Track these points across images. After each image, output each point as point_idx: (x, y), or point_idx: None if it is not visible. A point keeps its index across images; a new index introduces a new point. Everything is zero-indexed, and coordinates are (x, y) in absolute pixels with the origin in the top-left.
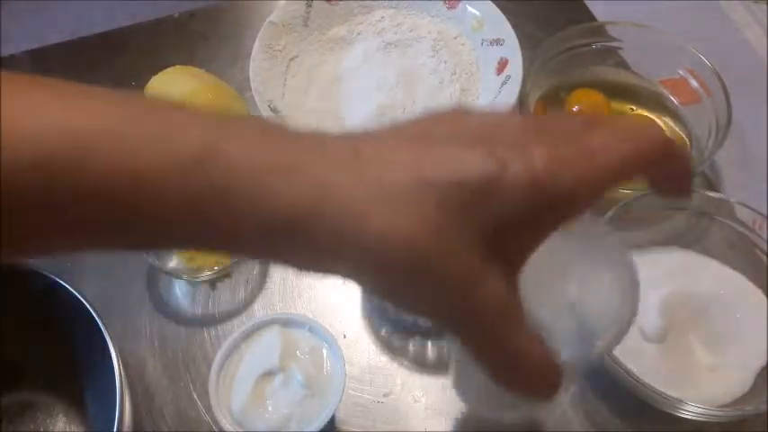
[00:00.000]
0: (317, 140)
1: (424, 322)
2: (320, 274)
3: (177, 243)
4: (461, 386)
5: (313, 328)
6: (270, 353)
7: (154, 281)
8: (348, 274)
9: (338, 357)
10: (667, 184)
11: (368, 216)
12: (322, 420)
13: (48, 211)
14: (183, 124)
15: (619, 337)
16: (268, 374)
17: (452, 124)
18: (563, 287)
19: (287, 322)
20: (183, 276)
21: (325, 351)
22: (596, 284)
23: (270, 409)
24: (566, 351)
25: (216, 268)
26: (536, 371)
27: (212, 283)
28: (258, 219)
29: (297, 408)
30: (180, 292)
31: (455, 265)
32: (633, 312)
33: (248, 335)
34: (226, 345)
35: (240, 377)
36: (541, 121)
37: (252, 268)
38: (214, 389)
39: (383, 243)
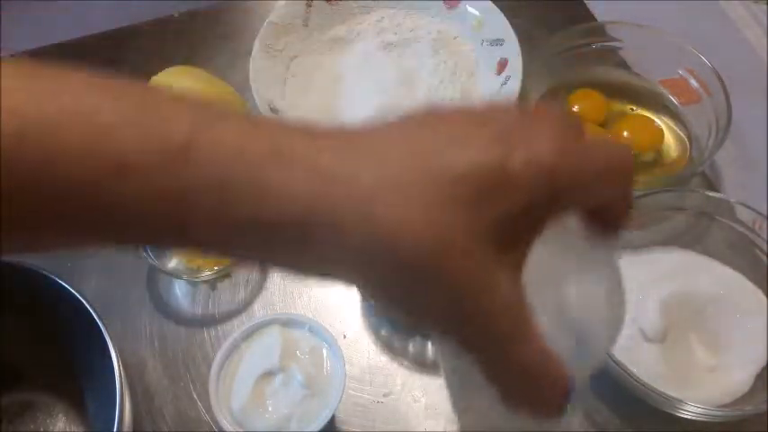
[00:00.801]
0: (309, 130)
1: None
2: (318, 277)
3: (165, 241)
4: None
5: (313, 328)
6: (270, 353)
7: (154, 281)
8: (352, 271)
9: (338, 357)
10: (608, 213)
11: (376, 210)
12: (322, 420)
13: (30, 199)
14: (168, 106)
15: (610, 344)
16: (268, 374)
17: (451, 117)
18: (554, 296)
19: (287, 322)
20: (183, 276)
21: (325, 351)
22: (586, 291)
23: (270, 409)
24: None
25: (216, 268)
26: (549, 385)
27: (212, 284)
28: (257, 212)
29: (297, 408)
30: (180, 292)
31: (469, 266)
32: (622, 318)
33: (248, 335)
34: (226, 345)
35: (240, 377)
36: (537, 112)
37: (252, 268)
38: (214, 389)
39: (393, 238)
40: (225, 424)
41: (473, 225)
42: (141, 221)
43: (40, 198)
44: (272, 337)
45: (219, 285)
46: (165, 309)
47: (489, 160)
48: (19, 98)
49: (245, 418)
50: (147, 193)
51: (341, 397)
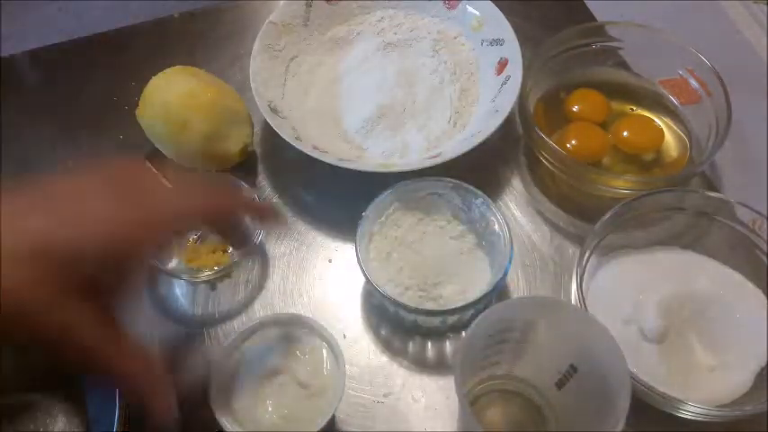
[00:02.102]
0: None
1: (423, 322)
2: None
3: None
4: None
5: (313, 329)
6: (270, 353)
7: (154, 281)
8: None
9: (338, 357)
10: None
11: None
12: (322, 420)
13: None
14: None
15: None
16: (268, 375)
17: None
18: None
19: (287, 322)
20: (183, 276)
21: (325, 351)
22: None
23: (270, 409)
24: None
25: (216, 268)
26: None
27: (212, 284)
28: None
29: (297, 408)
30: (180, 292)
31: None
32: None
33: (248, 335)
34: (226, 345)
35: (241, 377)
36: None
37: (252, 268)
38: (214, 389)
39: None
40: (225, 424)
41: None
42: None
43: None
44: (273, 337)
45: (219, 285)
46: (164, 309)
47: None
48: None
49: (246, 418)
50: None
51: (341, 397)
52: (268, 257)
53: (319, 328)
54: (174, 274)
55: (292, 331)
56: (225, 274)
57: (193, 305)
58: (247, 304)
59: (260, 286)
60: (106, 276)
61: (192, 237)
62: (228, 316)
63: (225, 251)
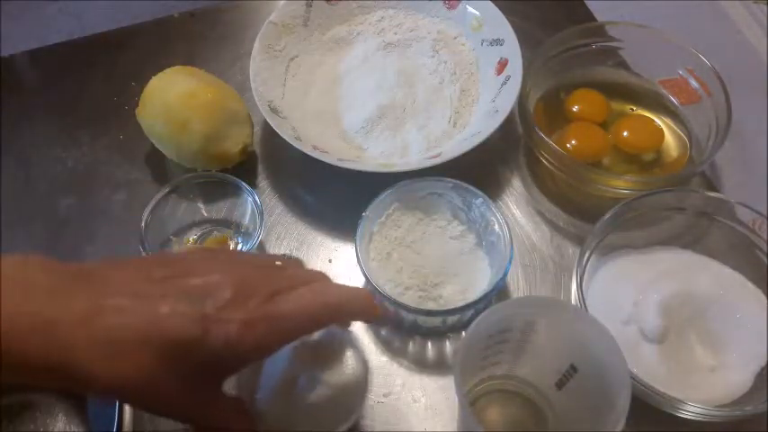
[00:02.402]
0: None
1: (423, 322)
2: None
3: None
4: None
5: (331, 329)
6: (291, 356)
7: None
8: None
9: (359, 355)
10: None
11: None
12: (352, 417)
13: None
14: None
15: None
16: (291, 378)
17: (172, 277)
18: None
19: None
20: None
21: (345, 350)
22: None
23: (298, 410)
24: None
25: None
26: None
27: None
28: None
29: (325, 407)
30: None
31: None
32: None
33: None
34: None
35: (263, 382)
36: (239, 282)
37: None
38: (239, 395)
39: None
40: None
41: (170, 372)
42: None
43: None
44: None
45: None
46: None
47: (189, 336)
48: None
49: (276, 422)
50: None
51: (366, 394)
52: None
53: (337, 328)
54: None
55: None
56: None
57: None
58: None
59: None
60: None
61: (192, 237)
62: None
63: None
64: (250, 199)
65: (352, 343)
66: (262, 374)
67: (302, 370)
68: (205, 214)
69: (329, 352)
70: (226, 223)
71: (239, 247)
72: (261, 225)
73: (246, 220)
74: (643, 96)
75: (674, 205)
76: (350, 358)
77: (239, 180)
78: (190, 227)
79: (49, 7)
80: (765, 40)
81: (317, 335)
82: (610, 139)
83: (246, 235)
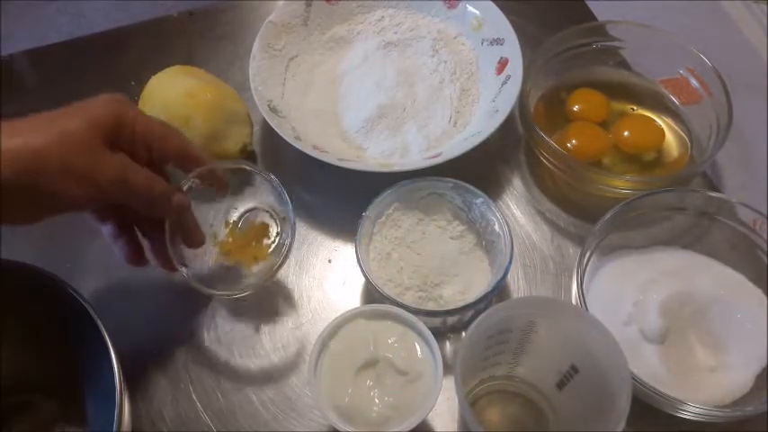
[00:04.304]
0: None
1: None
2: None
3: None
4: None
5: (398, 317)
6: (362, 345)
7: (153, 281)
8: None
9: (428, 340)
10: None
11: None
12: (430, 404)
13: None
14: None
15: None
16: (365, 366)
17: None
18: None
19: (371, 314)
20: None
21: (413, 336)
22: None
23: (376, 400)
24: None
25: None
26: (158, 193)
27: None
28: None
29: (402, 395)
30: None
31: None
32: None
33: (334, 332)
34: (315, 346)
35: (337, 374)
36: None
37: None
38: (316, 392)
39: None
40: (338, 424)
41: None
42: None
43: None
44: (361, 329)
45: None
46: (164, 309)
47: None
48: None
49: (355, 414)
50: None
51: (442, 378)
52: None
53: (402, 315)
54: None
55: (377, 322)
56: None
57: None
58: (247, 305)
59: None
60: None
61: (232, 220)
62: (231, 318)
63: (267, 236)
64: (268, 184)
65: (416, 328)
66: (333, 375)
67: (374, 362)
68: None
69: (395, 340)
70: (255, 211)
71: (278, 241)
72: (291, 207)
73: (274, 202)
74: (644, 96)
75: (674, 205)
76: (417, 344)
77: (254, 167)
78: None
79: (49, 7)
80: (766, 40)
81: (381, 324)
82: (610, 138)
83: (280, 218)
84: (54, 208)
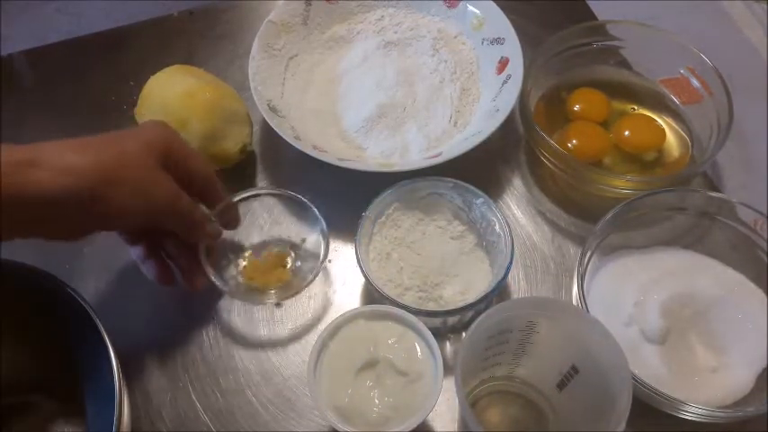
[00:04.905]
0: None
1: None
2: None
3: None
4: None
5: (398, 317)
6: (362, 346)
7: (153, 282)
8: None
9: (428, 341)
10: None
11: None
12: (430, 404)
13: None
14: None
15: None
16: (365, 367)
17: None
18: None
19: (371, 315)
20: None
21: (413, 337)
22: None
23: (376, 401)
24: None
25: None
26: (196, 219)
27: None
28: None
29: (402, 395)
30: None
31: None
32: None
33: (334, 332)
34: (315, 347)
35: (337, 375)
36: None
37: None
38: (315, 392)
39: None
40: (338, 425)
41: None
42: None
43: None
44: (361, 330)
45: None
46: (163, 309)
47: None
48: None
49: (355, 414)
50: None
51: (442, 379)
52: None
53: (403, 316)
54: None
55: (377, 323)
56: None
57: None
58: (247, 305)
59: None
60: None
61: (249, 252)
62: (230, 319)
63: (284, 266)
64: (318, 226)
65: (415, 328)
66: (333, 375)
67: (374, 362)
68: (266, 228)
69: (395, 340)
70: (285, 242)
71: (297, 264)
72: (325, 253)
73: (309, 244)
74: (644, 96)
75: (675, 205)
76: (418, 345)
77: (310, 204)
78: (248, 239)
79: (48, 7)
80: (766, 40)
81: (381, 324)
82: (611, 138)
83: (306, 256)
84: (102, 223)
